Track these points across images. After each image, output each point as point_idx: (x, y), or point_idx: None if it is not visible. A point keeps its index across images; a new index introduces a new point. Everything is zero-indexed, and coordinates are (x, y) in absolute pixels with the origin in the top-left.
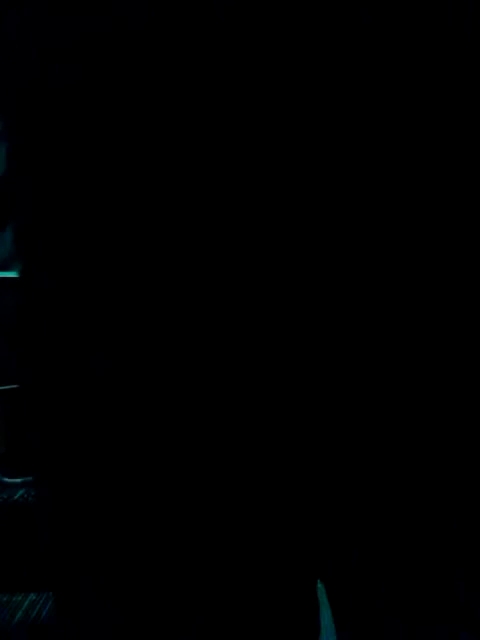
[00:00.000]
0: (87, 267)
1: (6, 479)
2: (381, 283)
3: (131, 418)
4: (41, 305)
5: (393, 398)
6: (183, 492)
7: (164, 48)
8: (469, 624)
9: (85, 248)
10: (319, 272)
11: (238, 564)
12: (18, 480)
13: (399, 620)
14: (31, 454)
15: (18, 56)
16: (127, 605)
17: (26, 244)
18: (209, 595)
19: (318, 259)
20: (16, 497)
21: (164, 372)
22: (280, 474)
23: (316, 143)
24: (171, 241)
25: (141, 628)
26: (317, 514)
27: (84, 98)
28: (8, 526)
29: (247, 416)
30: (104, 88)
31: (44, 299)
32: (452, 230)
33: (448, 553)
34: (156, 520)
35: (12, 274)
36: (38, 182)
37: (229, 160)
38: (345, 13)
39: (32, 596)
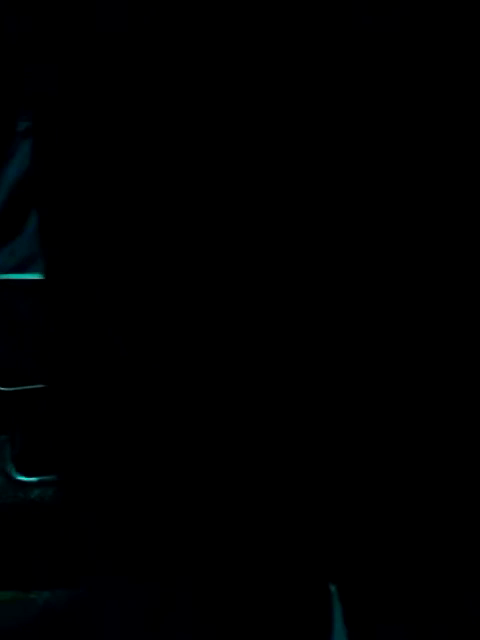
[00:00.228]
0: (111, 268)
1: (22, 478)
2: (381, 281)
3: (151, 419)
4: (65, 304)
5: (409, 404)
6: (205, 496)
7: (169, 48)
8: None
9: (108, 248)
10: (321, 266)
11: (254, 567)
12: (34, 479)
13: (409, 628)
14: (55, 452)
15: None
16: (150, 607)
17: (50, 243)
18: (225, 594)
19: (320, 252)
20: (32, 496)
21: (186, 373)
22: (295, 480)
23: (317, 140)
24: (187, 243)
25: (161, 630)
26: (331, 523)
27: (107, 103)
28: (24, 525)
29: (259, 422)
30: (124, 94)
31: (68, 298)
32: (452, 226)
33: (461, 564)
34: (175, 521)
35: (28, 276)
36: (63, 181)
37: (237, 158)
38: (345, 13)
39: (46, 594)
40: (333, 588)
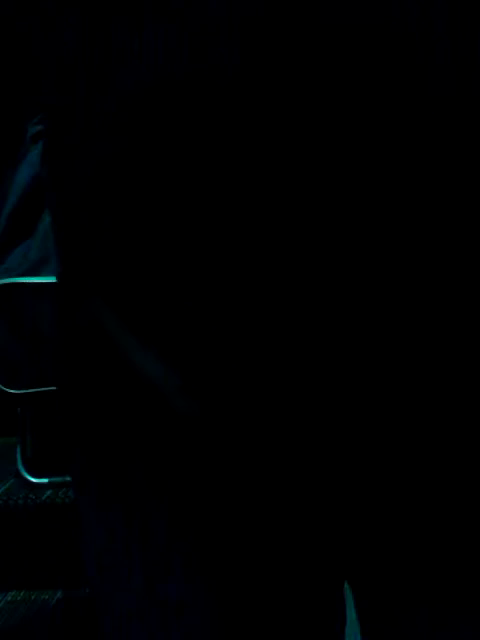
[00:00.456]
0: (125, 267)
1: (33, 479)
2: (383, 286)
3: (162, 420)
4: (79, 306)
5: (420, 401)
6: (215, 497)
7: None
8: None
9: (120, 252)
10: (325, 267)
11: (267, 565)
12: (45, 480)
13: (420, 620)
14: (66, 454)
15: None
16: (160, 608)
17: (64, 245)
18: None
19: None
20: (43, 498)
21: (195, 375)
22: (309, 481)
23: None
24: (197, 248)
25: (176, 626)
26: (345, 522)
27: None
28: (36, 525)
29: (269, 419)
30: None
31: (81, 300)
32: (453, 223)
33: (476, 561)
34: (189, 522)
35: (40, 279)
36: (76, 182)
37: (243, 158)
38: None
39: (58, 594)
40: (346, 584)
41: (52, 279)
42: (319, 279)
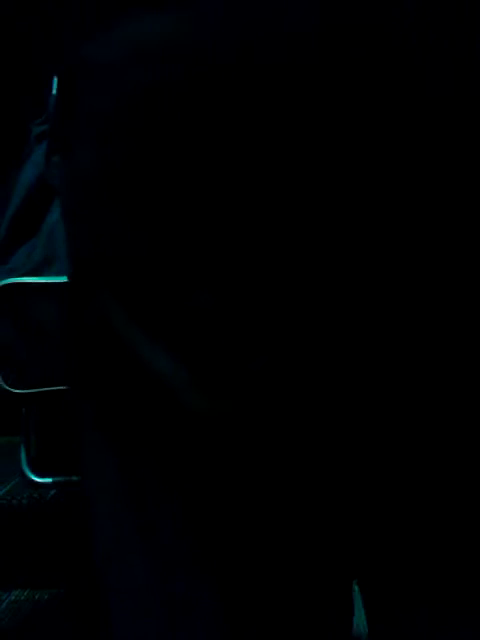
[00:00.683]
0: (133, 264)
1: (38, 479)
2: (385, 284)
3: (170, 418)
4: (88, 303)
5: (433, 408)
6: (224, 491)
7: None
8: None
9: (128, 249)
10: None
11: (275, 564)
12: (49, 480)
13: (428, 615)
14: (78, 451)
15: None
16: (167, 605)
17: (73, 243)
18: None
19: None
20: (48, 497)
21: (201, 374)
22: (317, 479)
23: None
24: (204, 247)
25: (182, 623)
26: (354, 523)
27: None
28: (40, 525)
29: (276, 421)
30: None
31: (90, 297)
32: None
33: (476, 561)
34: (197, 518)
35: (44, 279)
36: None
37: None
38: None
39: (62, 593)
40: (355, 583)
41: (56, 279)
42: (323, 278)
